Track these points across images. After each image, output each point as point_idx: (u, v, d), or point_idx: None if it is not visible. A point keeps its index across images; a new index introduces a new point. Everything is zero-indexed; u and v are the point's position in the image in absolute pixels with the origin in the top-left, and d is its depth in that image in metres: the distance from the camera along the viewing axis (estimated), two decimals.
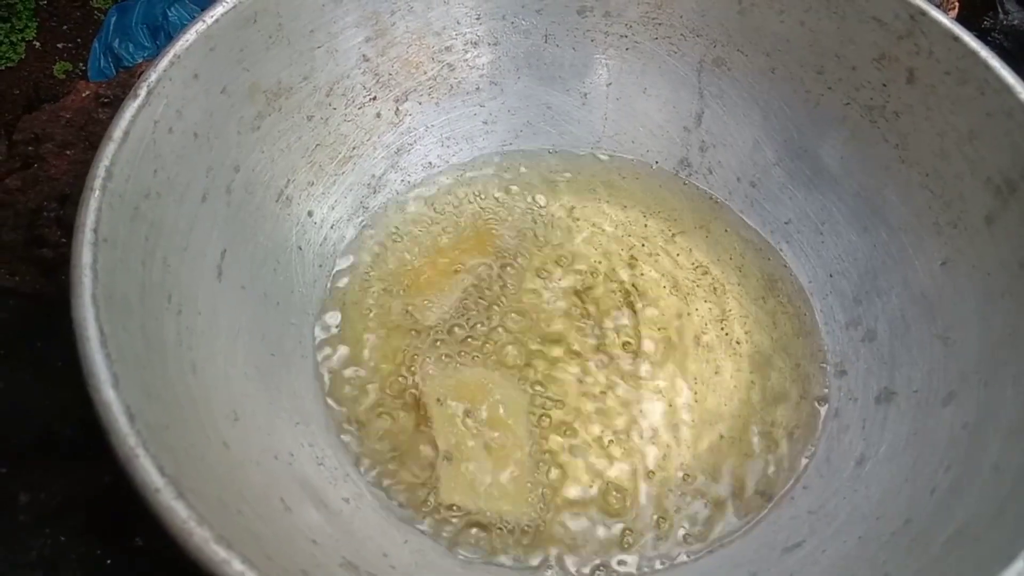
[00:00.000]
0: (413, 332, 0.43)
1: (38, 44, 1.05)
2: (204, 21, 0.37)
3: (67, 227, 0.41)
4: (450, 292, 0.45)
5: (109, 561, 0.33)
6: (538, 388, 0.42)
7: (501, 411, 0.41)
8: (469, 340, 0.43)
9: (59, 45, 1.06)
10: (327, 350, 0.42)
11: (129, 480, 0.26)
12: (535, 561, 0.37)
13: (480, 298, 0.44)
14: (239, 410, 0.34)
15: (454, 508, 0.38)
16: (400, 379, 0.41)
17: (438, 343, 0.43)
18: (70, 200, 0.42)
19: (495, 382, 0.42)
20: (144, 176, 0.33)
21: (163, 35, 0.98)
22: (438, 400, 0.41)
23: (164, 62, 0.35)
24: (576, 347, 0.43)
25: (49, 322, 0.39)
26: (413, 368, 0.42)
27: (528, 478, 0.39)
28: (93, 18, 1.08)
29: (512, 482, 0.39)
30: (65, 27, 1.07)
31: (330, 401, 0.40)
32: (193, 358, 0.34)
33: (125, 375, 0.28)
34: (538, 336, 0.43)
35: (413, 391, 0.41)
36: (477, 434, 0.40)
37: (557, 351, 0.43)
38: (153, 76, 0.35)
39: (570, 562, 0.37)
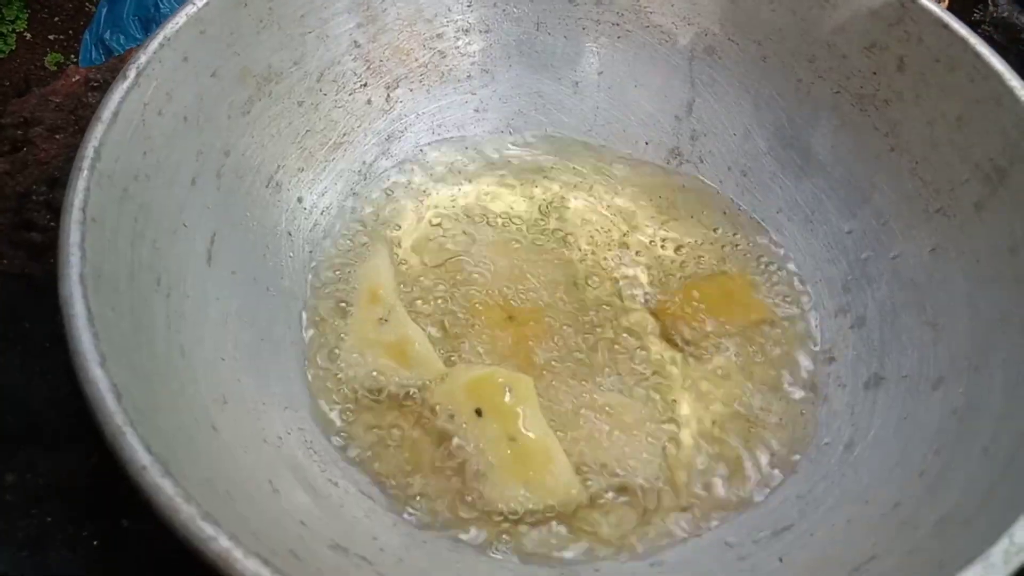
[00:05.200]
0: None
1: (29, 35, 1.04)
2: (194, 4, 0.37)
3: (56, 211, 0.41)
4: (438, 281, 0.45)
5: (96, 542, 0.33)
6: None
7: (508, 397, 0.40)
8: (457, 332, 0.43)
9: (50, 36, 1.05)
10: (316, 336, 0.42)
11: (116, 459, 0.26)
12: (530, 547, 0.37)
13: (469, 288, 0.44)
14: (228, 394, 0.34)
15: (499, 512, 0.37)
16: (389, 368, 0.41)
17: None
18: (59, 184, 0.42)
19: (495, 376, 0.41)
20: (133, 157, 0.33)
21: (154, 26, 0.96)
22: (442, 411, 0.40)
23: (154, 44, 0.35)
24: (565, 333, 0.43)
25: (37, 305, 0.38)
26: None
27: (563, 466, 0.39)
28: (84, 9, 1.07)
29: (548, 472, 0.38)
30: (56, 19, 1.07)
31: (318, 386, 0.40)
32: (182, 341, 0.34)
33: (112, 354, 0.27)
34: (528, 325, 0.43)
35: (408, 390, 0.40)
36: (496, 435, 0.39)
37: (546, 339, 0.43)
38: (143, 58, 0.35)
39: (559, 556, 0.37)
